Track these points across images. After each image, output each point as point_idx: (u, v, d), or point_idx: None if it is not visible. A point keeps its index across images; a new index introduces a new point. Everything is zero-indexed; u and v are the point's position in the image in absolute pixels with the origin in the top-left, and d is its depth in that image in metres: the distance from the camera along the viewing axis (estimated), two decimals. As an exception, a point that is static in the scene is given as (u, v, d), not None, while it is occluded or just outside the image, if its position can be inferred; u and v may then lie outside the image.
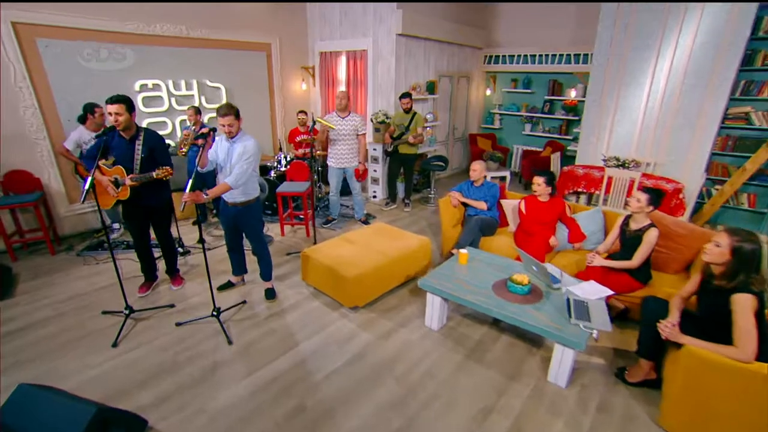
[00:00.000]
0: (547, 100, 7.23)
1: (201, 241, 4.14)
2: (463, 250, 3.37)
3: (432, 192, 6.33)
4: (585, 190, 5.15)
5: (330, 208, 5.24)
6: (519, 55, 7.39)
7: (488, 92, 8.02)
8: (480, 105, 8.28)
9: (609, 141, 5.61)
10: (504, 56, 7.61)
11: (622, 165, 4.94)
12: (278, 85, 6.54)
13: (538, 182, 3.70)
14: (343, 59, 6.42)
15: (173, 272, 3.75)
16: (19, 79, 4.22)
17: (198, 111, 4.74)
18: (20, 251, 4.42)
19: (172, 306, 3.41)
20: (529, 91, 7.45)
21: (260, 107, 6.44)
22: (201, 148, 2.82)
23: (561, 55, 6.86)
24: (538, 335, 3.04)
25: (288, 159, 5.64)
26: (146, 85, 5.12)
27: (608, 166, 5.05)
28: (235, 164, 3.03)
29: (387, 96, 6.08)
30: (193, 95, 5.56)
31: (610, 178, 4.75)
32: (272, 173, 5.48)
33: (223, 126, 2.96)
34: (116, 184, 3.10)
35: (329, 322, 3.27)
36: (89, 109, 4.33)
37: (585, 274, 3.21)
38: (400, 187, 6.13)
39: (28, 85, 4.29)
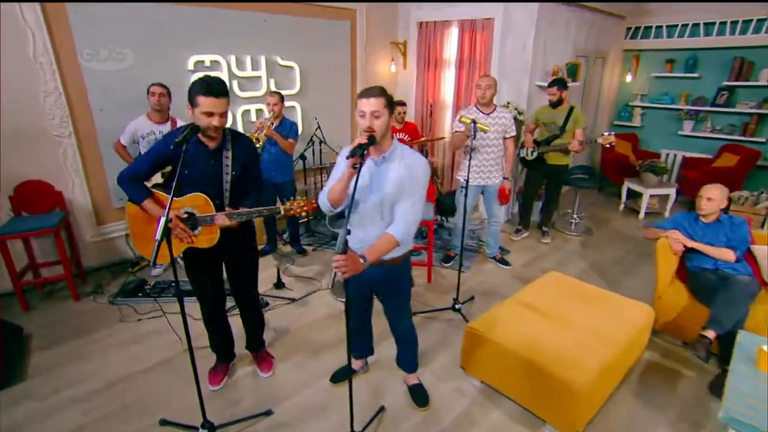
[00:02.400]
0: (724, 87, 5.82)
1: (279, 284, 3.15)
2: (765, 347, 2.16)
3: (575, 216, 5.11)
4: None
5: (453, 239, 4.11)
6: (684, 25, 6.02)
7: (628, 78, 6.71)
8: (613, 95, 6.97)
9: None
10: (657, 28, 6.28)
11: None
12: (362, 66, 5.51)
13: None
14: (453, 32, 5.29)
15: (259, 347, 2.72)
16: (39, 51, 3.33)
17: (282, 99, 3.73)
18: (33, 292, 3.55)
19: (268, 413, 2.37)
20: (693, 75, 6.06)
21: (339, 94, 5.43)
22: (356, 171, 1.72)
23: (761, 21, 5.39)
24: None
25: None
26: (203, 62, 4.18)
27: None
28: (393, 197, 1.92)
29: (518, 83, 4.91)
30: (260, 77, 4.59)
31: None
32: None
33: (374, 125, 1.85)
34: (192, 224, 2.07)
35: (538, 464, 2.13)
36: (147, 89, 3.51)
37: None
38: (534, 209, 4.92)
39: (51, 60, 3.39)
